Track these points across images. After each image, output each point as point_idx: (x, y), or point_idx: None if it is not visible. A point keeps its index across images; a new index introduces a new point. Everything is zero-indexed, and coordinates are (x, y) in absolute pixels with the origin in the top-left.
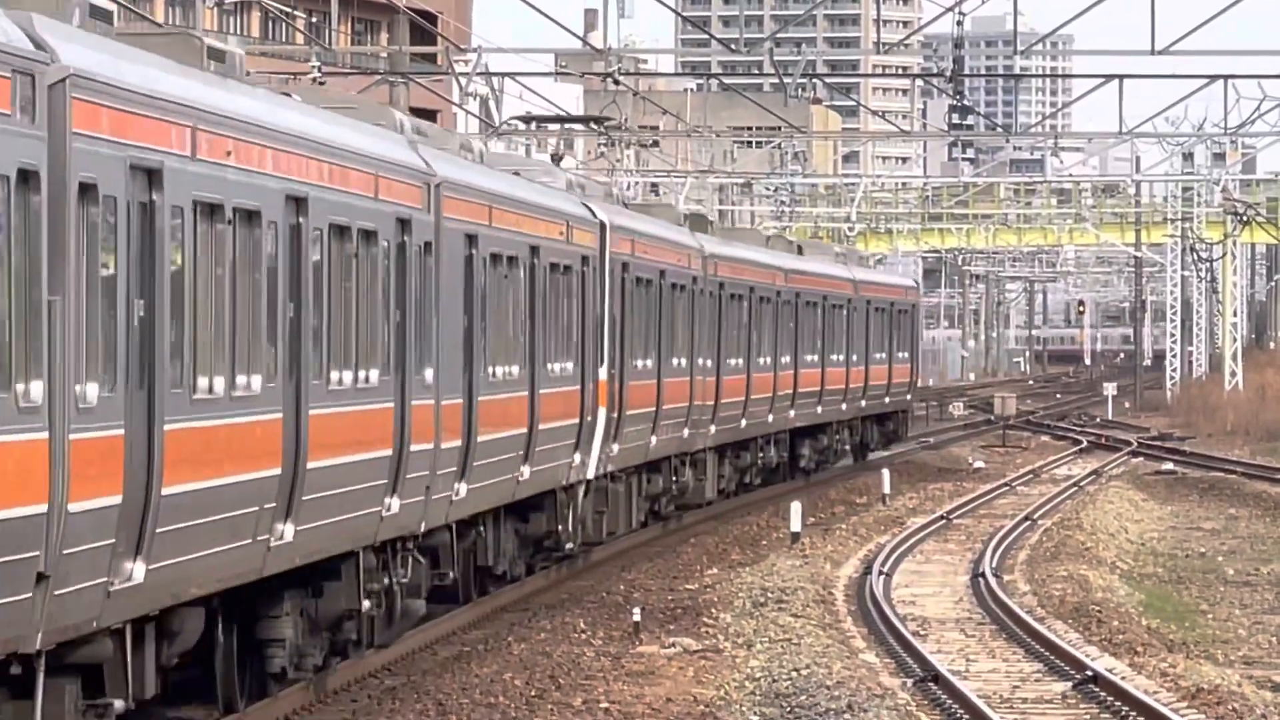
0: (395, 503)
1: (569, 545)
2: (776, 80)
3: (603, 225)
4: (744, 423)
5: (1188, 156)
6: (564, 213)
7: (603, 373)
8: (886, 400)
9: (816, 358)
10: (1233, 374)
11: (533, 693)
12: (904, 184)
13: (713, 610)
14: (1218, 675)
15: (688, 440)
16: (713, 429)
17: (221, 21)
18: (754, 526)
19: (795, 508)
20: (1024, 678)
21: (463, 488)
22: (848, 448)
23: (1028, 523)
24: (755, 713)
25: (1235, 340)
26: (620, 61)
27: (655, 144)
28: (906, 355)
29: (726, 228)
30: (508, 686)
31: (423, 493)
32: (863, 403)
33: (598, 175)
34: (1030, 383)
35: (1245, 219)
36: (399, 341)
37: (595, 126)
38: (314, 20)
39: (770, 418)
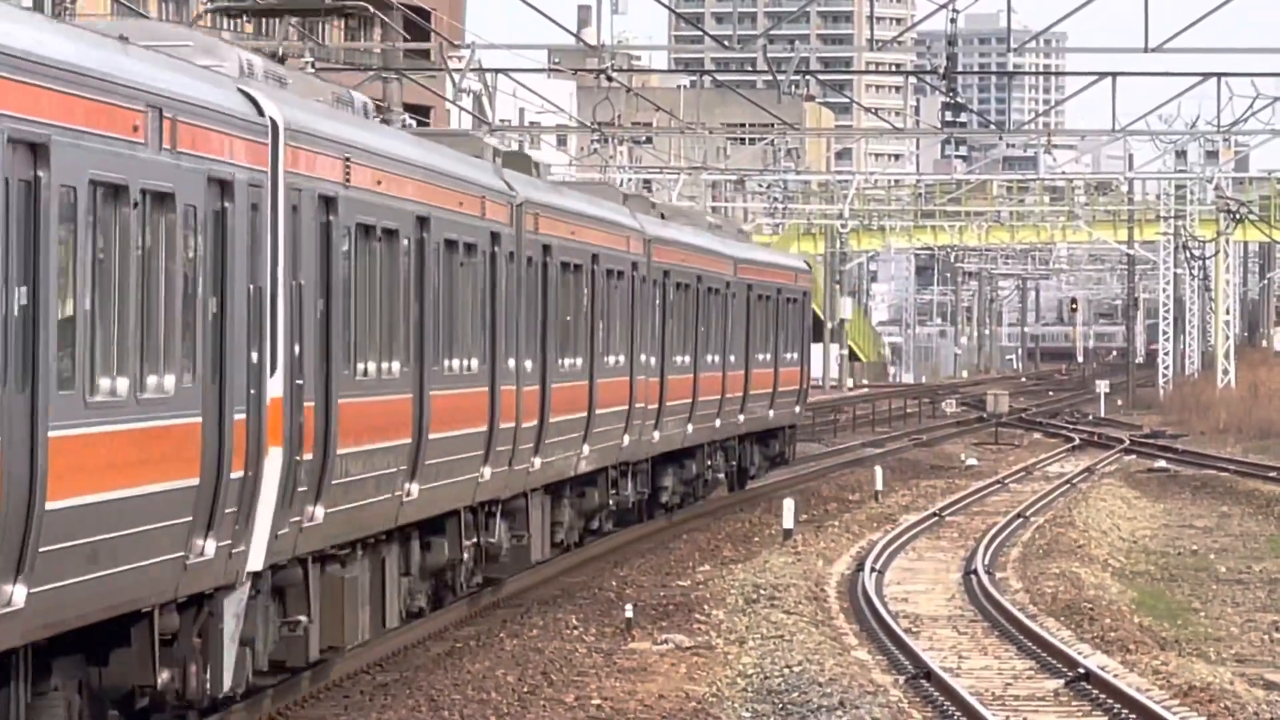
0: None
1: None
2: (770, 77)
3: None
4: (586, 449)
5: (1180, 154)
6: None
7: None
8: (771, 415)
9: (688, 359)
10: (1225, 372)
11: (525, 689)
12: (897, 181)
13: (705, 607)
14: (1210, 673)
15: (500, 480)
16: (537, 462)
17: (213, 17)
18: (746, 523)
19: (788, 505)
20: (1016, 675)
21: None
22: (721, 475)
23: (1020, 520)
24: (747, 709)
25: (1228, 338)
26: (614, 58)
27: (648, 140)
28: (796, 357)
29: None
30: (500, 682)
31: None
32: (741, 418)
33: (591, 172)
34: (1023, 380)
35: (1238, 217)
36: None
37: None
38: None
39: (626, 441)
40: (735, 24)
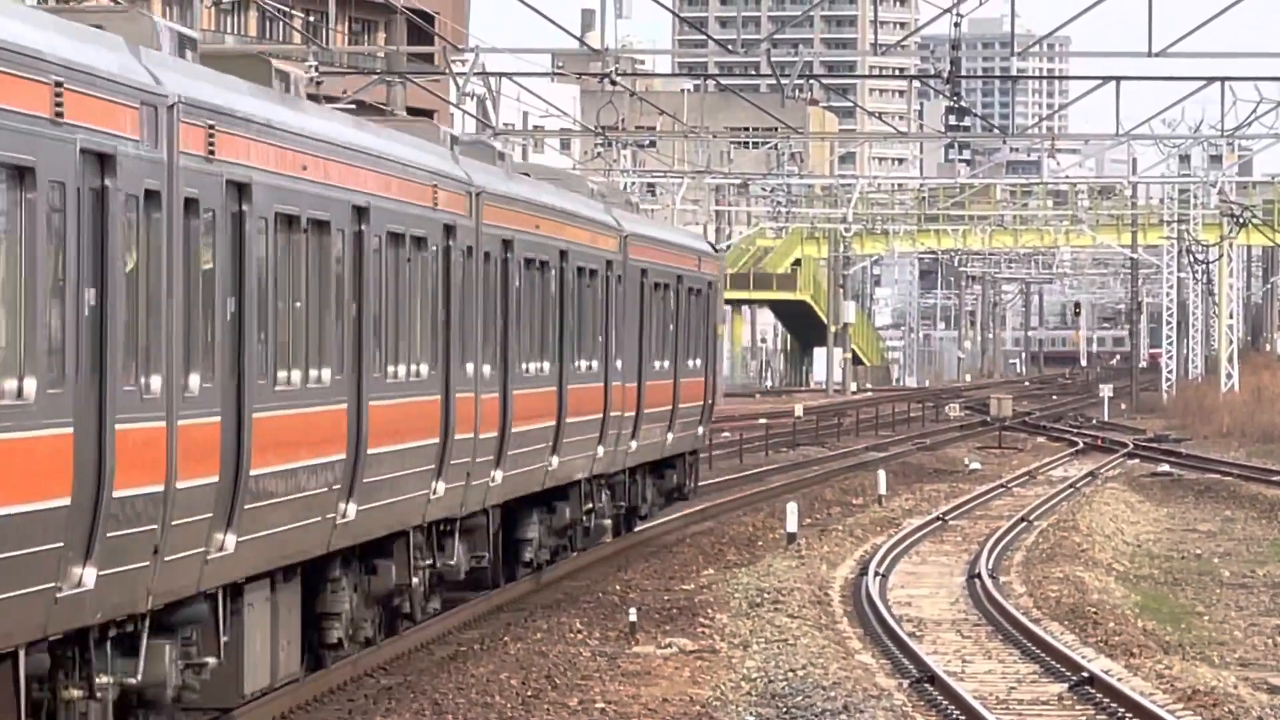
0: (440, 487)
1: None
2: (773, 81)
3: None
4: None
5: (1184, 158)
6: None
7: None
8: (669, 439)
9: (549, 366)
10: (1228, 376)
11: (529, 692)
12: (900, 185)
13: (709, 611)
14: (1213, 677)
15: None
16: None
17: (219, 21)
18: (750, 527)
19: (791, 509)
20: (1020, 679)
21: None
22: (607, 520)
23: (1024, 524)
24: (751, 713)
25: (1231, 342)
26: (617, 62)
27: (652, 144)
28: (700, 363)
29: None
30: (504, 686)
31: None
32: (633, 445)
33: (595, 175)
34: (1026, 384)
35: (1241, 221)
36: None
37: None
38: (311, 20)
39: (438, 490)
40: (739, 28)
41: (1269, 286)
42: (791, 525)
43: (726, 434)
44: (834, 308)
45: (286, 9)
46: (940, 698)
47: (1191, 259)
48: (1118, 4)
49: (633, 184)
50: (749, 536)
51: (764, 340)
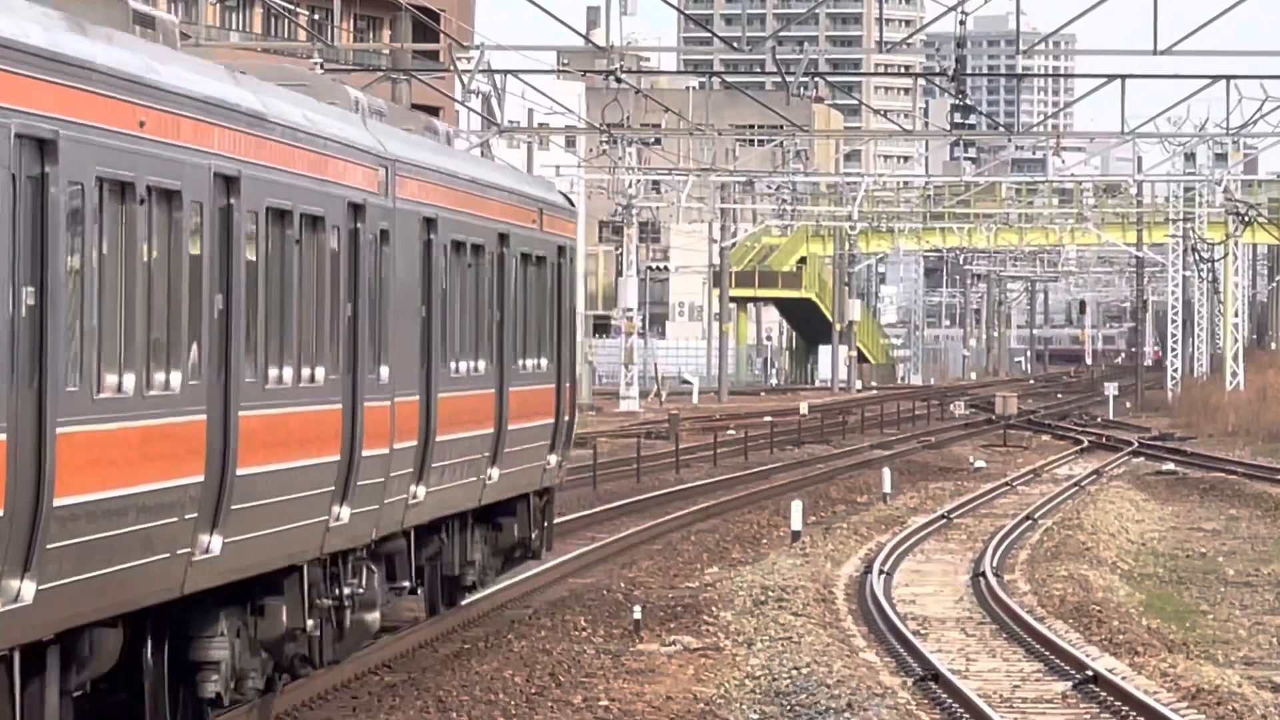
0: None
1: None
2: (779, 79)
3: None
4: (495, 473)
5: (1189, 157)
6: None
7: None
8: (494, 477)
9: (288, 373)
10: (1234, 374)
11: (533, 690)
12: (906, 183)
13: (713, 608)
14: (1218, 675)
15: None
16: (420, 492)
17: (224, 17)
18: (754, 525)
19: (796, 506)
20: (1024, 677)
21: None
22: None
23: (1028, 522)
24: (755, 711)
25: (1236, 341)
26: (623, 59)
27: (657, 142)
28: (547, 364)
29: None
30: (508, 684)
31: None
32: (418, 491)
33: (599, 173)
34: (1031, 382)
35: (1247, 219)
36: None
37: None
38: (316, 17)
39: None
40: (744, 25)
41: (1274, 285)
42: (796, 523)
43: (732, 431)
44: (839, 306)
45: (292, 6)
46: (944, 696)
47: (1197, 257)
48: (1123, 2)
49: (638, 181)
50: (754, 534)
51: (769, 338)
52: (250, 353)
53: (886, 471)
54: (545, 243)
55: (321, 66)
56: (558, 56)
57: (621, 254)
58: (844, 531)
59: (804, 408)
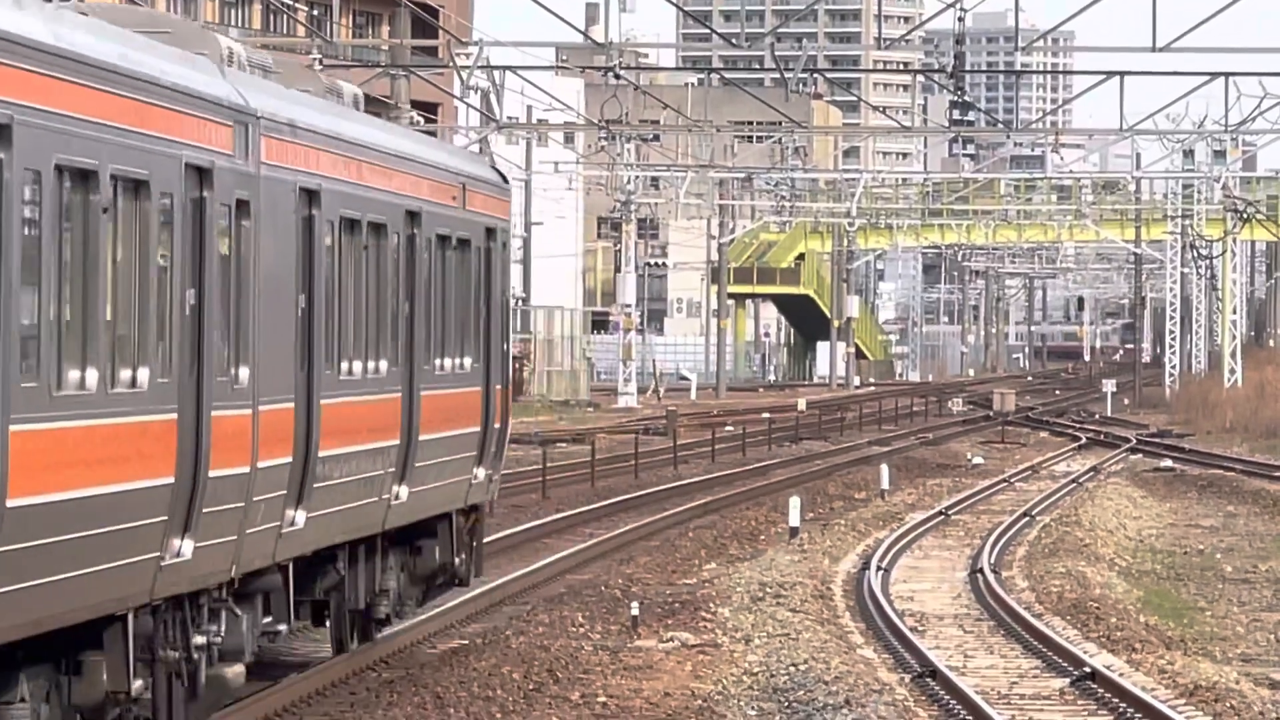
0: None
1: None
2: (777, 75)
3: None
4: (403, 491)
5: (1188, 153)
6: None
7: None
8: (398, 494)
9: (91, 377)
10: (1232, 371)
11: (530, 686)
12: (904, 179)
13: (711, 605)
14: (1215, 672)
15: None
16: (298, 517)
17: (223, 14)
18: (752, 521)
19: (794, 503)
20: (1022, 674)
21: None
22: (235, 667)
23: (1026, 519)
24: (753, 707)
25: (1235, 337)
26: (621, 56)
27: (656, 138)
28: (471, 364)
29: None
30: (505, 680)
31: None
32: (297, 516)
33: (598, 170)
34: (1029, 379)
35: (1245, 216)
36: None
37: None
38: (315, 13)
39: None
40: (743, 22)
41: (1273, 282)
42: (794, 519)
43: (730, 428)
44: (837, 302)
45: (290, 1)
46: (942, 692)
47: (1195, 254)
48: None
49: (636, 177)
50: (751, 530)
51: (767, 334)
52: (47, 355)
53: (884, 468)
54: (470, 224)
55: (320, 62)
56: (556, 53)
57: (620, 250)
58: (842, 528)
59: (802, 404)
